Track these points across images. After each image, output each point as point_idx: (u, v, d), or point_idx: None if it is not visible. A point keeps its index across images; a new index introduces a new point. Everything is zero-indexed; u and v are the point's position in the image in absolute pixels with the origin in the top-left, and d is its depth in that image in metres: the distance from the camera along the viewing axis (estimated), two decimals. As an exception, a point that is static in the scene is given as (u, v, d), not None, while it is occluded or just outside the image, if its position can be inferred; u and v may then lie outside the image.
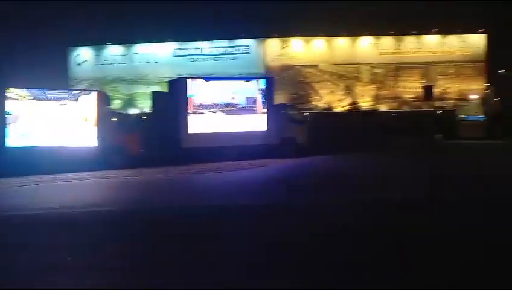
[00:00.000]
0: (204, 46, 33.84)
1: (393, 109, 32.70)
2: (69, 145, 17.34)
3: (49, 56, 30.42)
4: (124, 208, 10.31)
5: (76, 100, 17.74)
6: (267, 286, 5.27)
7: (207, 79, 20.77)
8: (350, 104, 33.27)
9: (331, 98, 33.37)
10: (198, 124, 19.29)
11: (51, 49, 31.00)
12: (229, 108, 19.71)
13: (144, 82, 33.63)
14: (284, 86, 31.18)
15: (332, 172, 16.01)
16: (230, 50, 33.81)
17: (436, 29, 33.01)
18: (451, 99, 32.74)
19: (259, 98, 20.24)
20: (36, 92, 17.24)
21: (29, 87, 17.35)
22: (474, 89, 32.59)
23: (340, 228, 7.69)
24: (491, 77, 32.22)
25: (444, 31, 33.07)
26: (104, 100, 19.01)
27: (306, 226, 8.00)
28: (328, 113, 32.13)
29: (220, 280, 5.45)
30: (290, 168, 17.29)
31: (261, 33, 33.43)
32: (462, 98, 32.52)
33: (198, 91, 19.55)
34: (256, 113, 20.11)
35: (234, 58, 33.58)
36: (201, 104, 19.42)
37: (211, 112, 19.47)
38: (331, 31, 33.16)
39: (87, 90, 20.25)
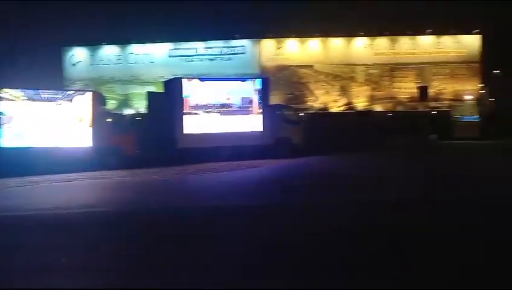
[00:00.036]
0: (200, 46, 33.77)
1: (389, 110, 32.77)
2: (64, 145, 17.31)
3: (43, 56, 30.32)
4: (119, 208, 10.29)
5: (71, 101, 17.71)
6: (261, 286, 5.26)
7: (202, 79, 20.79)
8: (345, 105, 33.31)
9: (326, 99, 33.40)
10: (193, 124, 19.30)
11: (45, 49, 30.88)
12: (224, 108, 19.72)
13: (139, 82, 33.54)
14: (279, 87, 31.18)
15: (328, 172, 16.03)
16: (225, 50, 33.77)
17: (430, 30, 33.11)
18: (446, 99, 32.84)
19: (256, 98, 20.26)
20: (30, 92, 17.21)
21: (23, 88, 17.30)
22: (469, 90, 32.70)
23: (335, 229, 7.70)
24: (485, 77, 32.33)
25: (439, 31, 33.18)
26: (99, 100, 18.99)
27: (301, 226, 8.00)
28: (323, 114, 32.16)
29: (215, 281, 5.45)
30: (285, 169, 17.31)
31: (256, 33, 33.42)
32: (457, 99, 32.63)
33: (193, 91, 19.56)
34: (252, 113, 20.12)
35: (229, 59, 33.55)
36: (197, 105, 19.42)
37: (206, 112, 19.48)
38: (326, 32, 33.20)
39: (82, 91, 20.21)
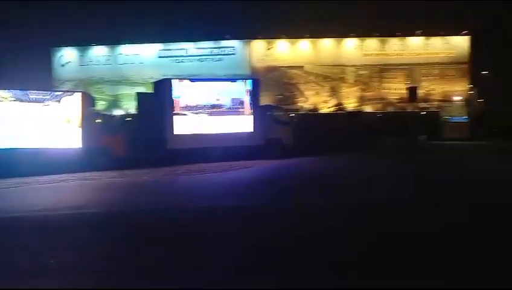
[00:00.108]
0: (190, 47, 33.76)
1: (378, 110, 32.94)
2: (53, 146, 17.17)
3: (32, 57, 30.11)
4: (109, 210, 10.23)
5: (59, 101, 17.57)
6: (252, 286, 5.26)
7: (193, 80, 20.74)
8: (335, 106, 33.44)
9: (316, 99, 33.51)
10: (183, 125, 19.23)
11: (34, 50, 30.68)
12: (214, 109, 19.67)
13: (128, 83, 33.47)
14: (270, 87, 31.21)
15: (318, 173, 16.04)
16: (215, 51, 33.78)
17: (420, 31, 33.33)
18: (435, 100, 33.11)
19: (246, 99, 20.23)
20: (18, 93, 17.03)
21: (10, 88, 17.14)
22: (458, 91, 32.99)
23: (326, 229, 7.71)
24: (474, 78, 32.62)
25: (428, 32, 33.41)
26: (88, 101, 18.86)
27: (292, 227, 8.00)
28: (313, 114, 32.26)
29: (206, 281, 5.43)
30: (276, 170, 17.30)
31: (247, 34, 33.47)
32: (446, 100, 32.90)
33: (183, 92, 19.48)
34: (243, 114, 20.09)
35: (220, 60, 33.57)
36: (187, 106, 19.35)
37: (196, 113, 19.42)
38: (316, 33, 33.28)
39: (70, 92, 20.07)
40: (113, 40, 33.87)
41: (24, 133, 16.83)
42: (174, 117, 19.15)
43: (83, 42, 34.00)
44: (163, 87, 19.72)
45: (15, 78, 24.05)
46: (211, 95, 19.85)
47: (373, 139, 26.00)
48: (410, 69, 33.44)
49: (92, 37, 33.59)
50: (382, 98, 33.48)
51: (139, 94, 21.99)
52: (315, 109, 33.09)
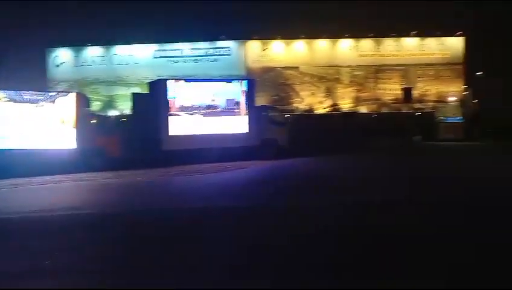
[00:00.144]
0: (185, 47, 33.71)
1: (373, 111, 33.01)
2: (47, 147, 17.10)
3: (27, 57, 30.04)
4: (104, 210, 10.21)
5: (54, 102, 17.50)
6: (248, 286, 5.26)
7: (188, 80, 20.71)
8: (331, 106, 33.48)
9: (311, 100, 33.55)
10: (178, 126, 19.18)
11: (29, 50, 30.61)
12: (209, 110, 19.64)
13: (123, 84, 33.39)
14: (265, 88, 31.25)
15: (313, 174, 16.05)
16: (211, 52, 33.75)
17: (415, 32, 33.43)
18: (430, 101, 33.22)
19: (242, 100, 20.22)
20: (12, 93, 16.95)
21: (4, 89, 17.07)
22: (453, 91, 33.12)
23: (321, 230, 7.72)
24: (469, 79, 32.74)
25: (423, 33, 33.52)
26: (83, 102, 18.79)
27: (287, 228, 8.01)
28: (309, 115, 32.31)
29: (201, 282, 5.43)
30: (271, 170, 17.30)
31: (242, 35, 33.48)
32: (441, 100, 32.99)
33: (178, 93, 19.44)
34: (238, 115, 20.07)
35: (215, 60, 33.55)
36: (182, 106, 19.31)
37: (192, 113, 19.39)
38: (311, 33, 33.33)
39: (65, 92, 19.98)
40: (108, 41, 33.79)
41: (18, 134, 16.76)
42: (169, 118, 19.11)
43: (77, 42, 33.89)
44: (158, 87, 19.67)
45: (9, 78, 23.94)
46: (206, 95, 19.82)
47: (368, 139, 26.05)
48: (405, 70, 33.56)
49: (87, 38, 33.51)
50: (377, 99, 33.57)
51: (134, 95, 21.91)
52: (310, 110, 33.14)
